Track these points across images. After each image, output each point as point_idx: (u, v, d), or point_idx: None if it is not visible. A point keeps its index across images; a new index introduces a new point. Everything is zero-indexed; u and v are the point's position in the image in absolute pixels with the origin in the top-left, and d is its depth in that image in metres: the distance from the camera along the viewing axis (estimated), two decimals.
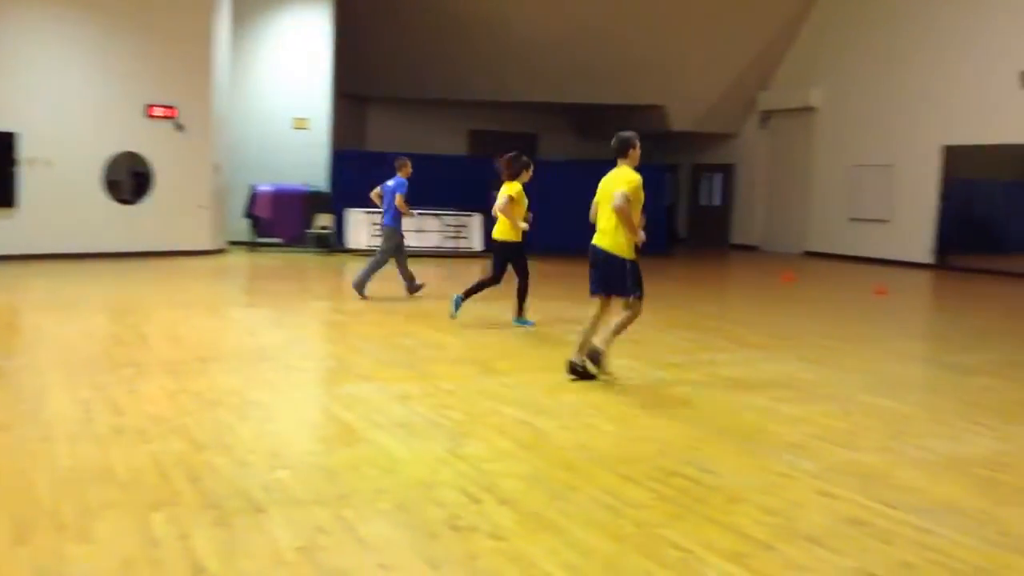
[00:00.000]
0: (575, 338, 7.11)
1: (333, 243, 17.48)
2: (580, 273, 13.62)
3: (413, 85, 20.82)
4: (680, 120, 21.68)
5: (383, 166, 18.32)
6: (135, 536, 3.74)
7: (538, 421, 5.73)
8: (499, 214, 9.23)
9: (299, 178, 17.78)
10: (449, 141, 22.93)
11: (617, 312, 6.99)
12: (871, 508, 4.32)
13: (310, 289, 13.05)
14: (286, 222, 17.36)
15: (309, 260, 16.19)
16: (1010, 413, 6.38)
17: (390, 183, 11.36)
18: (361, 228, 17.35)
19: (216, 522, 3.89)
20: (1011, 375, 7.83)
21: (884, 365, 8.24)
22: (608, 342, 6.97)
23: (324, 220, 17.50)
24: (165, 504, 4.08)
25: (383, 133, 22.69)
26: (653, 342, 8.80)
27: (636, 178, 6.72)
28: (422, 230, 17.64)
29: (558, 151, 24.32)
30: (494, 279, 9.54)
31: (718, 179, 23.85)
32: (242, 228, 17.45)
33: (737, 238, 23.09)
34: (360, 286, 11.05)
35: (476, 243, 18.01)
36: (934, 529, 4.06)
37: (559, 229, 18.38)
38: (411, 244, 17.32)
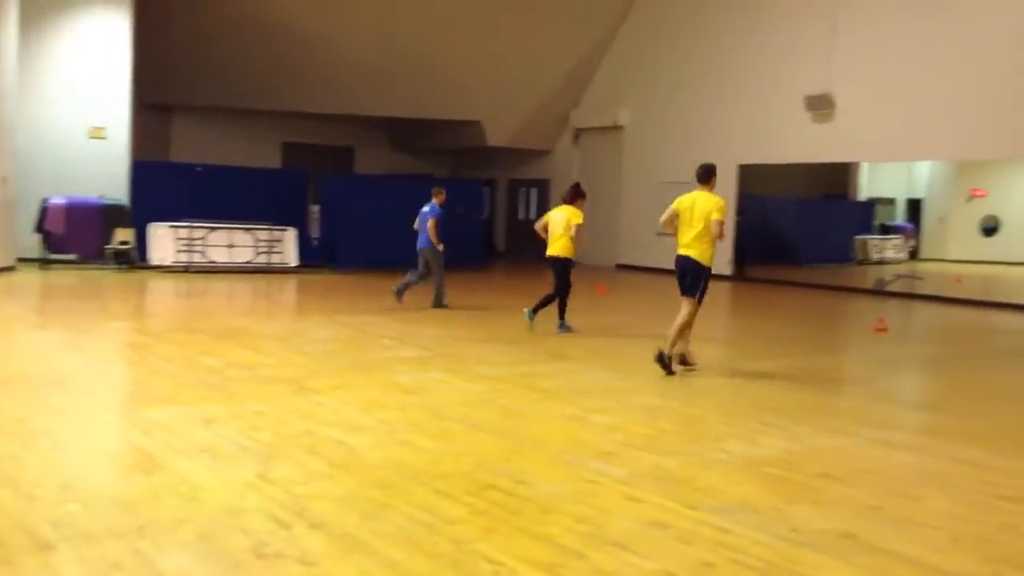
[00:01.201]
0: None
1: (134, 259, 16.54)
2: (393, 289, 13.42)
3: (222, 94, 20.09)
4: (496, 135, 22.05)
5: (189, 178, 17.77)
6: None
7: (353, 440, 5.62)
8: (560, 233, 10.47)
9: (96, 190, 16.72)
10: (262, 153, 22.28)
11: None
12: (674, 510, 4.50)
13: (108, 308, 12.26)
14: (81, 237, 16.26)
15: (108, 277, 15.23)
16: (799, 415, 6.83)
17: (426, 209, 12.30)
18: (165, 243, 16.51)
19: None
20: (801, 379, 8.41)
21: (688, 373, 8.62)
22: (673, 343, 8.22)
23: (124, 235, 16.51)
24: None
25: (189, 144, 21.73)
26: (471, 356, 8.85)
27: (723, 203, 8.12)
28: (233, 245, 17.03)
29: (375, 165, 24.16)
30: (565, 289, 10.60)
31: (534, 194, 24.39)
32: (33, 244, 16.20)
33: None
34: (440, 299, 12.34)
35: (291, 258, 17.53)
36: (732, 528, 4.27)
37: (377, 244, 18.27)
38: (222, 260, 16.80)
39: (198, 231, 16.66)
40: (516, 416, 6.46)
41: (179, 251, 16.51)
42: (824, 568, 3.85)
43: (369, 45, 19.07)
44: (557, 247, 10.52)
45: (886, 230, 23.69)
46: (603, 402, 6.98)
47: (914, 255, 22.98)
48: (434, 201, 12.37)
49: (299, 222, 18.18)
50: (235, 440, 5.50)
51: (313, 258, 18.15)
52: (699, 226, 8.07)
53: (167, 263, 16.42)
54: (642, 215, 21.15)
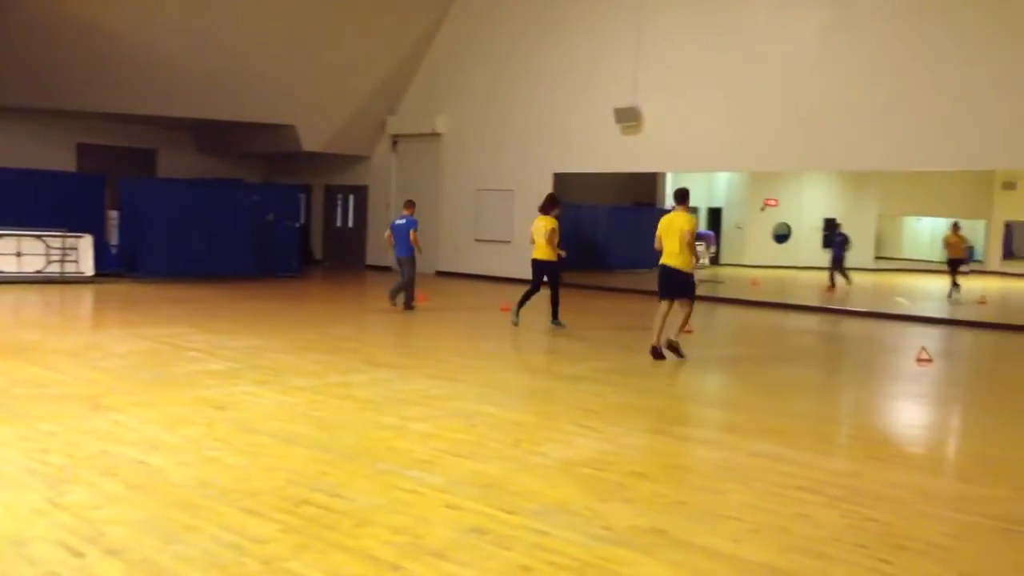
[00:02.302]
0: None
1: None
2: (206, 298, 12.90)
3: (10, 92, 18.52)
4: (311, 141, 21.54)
5: None
6: None
7: (154, 459, 5.29)
8: (541, 240, 12.06)
9: None
10: (54, 155, 20.74)
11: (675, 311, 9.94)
12: (493, 516, 4.50)
13: None
14: None
15: None
16: (613, 416, 7.04)
17: (400, 221, 13.75)
18: None
19: None
20: (614, 381, 8.67)
21: (506, 378, 8.73)
22: (679, 335, 10.00)
23: None
24: None
25: None
26: (285, 367, 8.58)
27: (695, 220, 9.94)
28: (22, 253, 15.76)
29: (180, 169, 23.03)
30: (534, 289, 12.36)
31: (352, 200, 24.05)
32: None
33: (372, 259, 23.40)
34: (409, 302, 13.74)
35: (87, 267, 16.40)
36: (548, 530, 4.32)
37: (183, 251, 17.43)
38: (9, 270, 15.52)
39: None
40: (332, 427, 6.29)
41: None
42: (635, 564, 3.96)
43: (173, 42, 18.15)
44: (541, 252, 12.13)
45: None
46: (422, 410, 6.93)
47: (715, 260, 24.35)
48: (406, 213, 13.86)
49: (96, 228, 17.05)
50: (22, 464, 5.07)
51: (111, 267, 17.09)
52: (678, 240, 9.64)
53: None
54: (461, 222, 21.28)
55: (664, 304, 9.96)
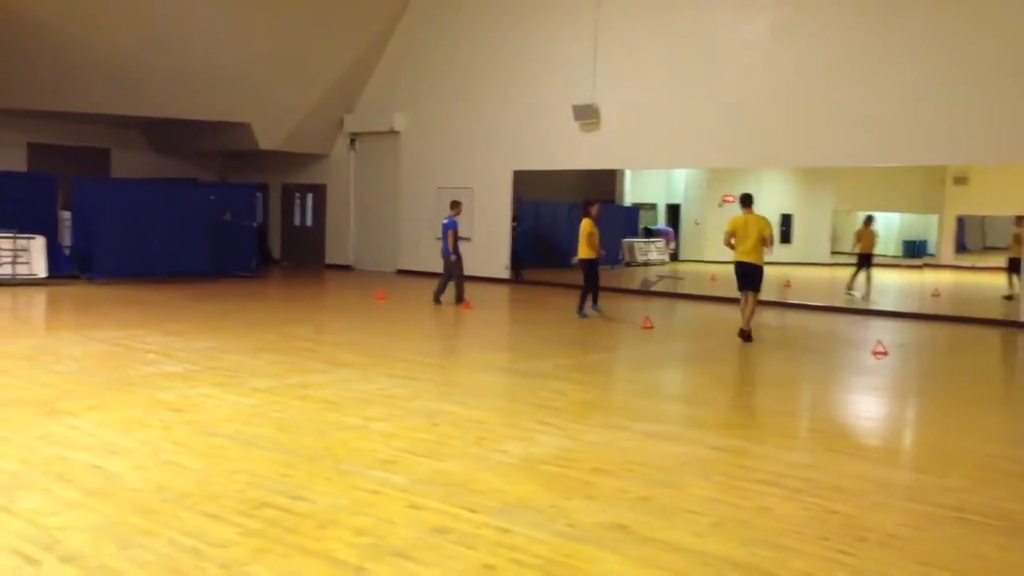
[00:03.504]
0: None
1: None
2: (162, 299, 12.72)
3: None
4: (268, 139, 21.31)
5: None
6: None
7: (111, 464, 5.20)
8: (582, 241, 13.34)
9: None
10: (5, 155, 20.32)
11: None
12: (456, 515, 4.48)
13: None
14: None
15: None
16: (575, 412, 7.05)
17: (445, 221, 14.64)
18: None
19: None
20: (576, 378, 8.69)
21: (467, 376, 8.71)
22: (749, 322, 11.32)
23: None
24: None
25: None
26: (243, 368, 8.48)
27: (770, 221, 11.21)
28: None
29: (134, 168, 22.68)
30: (588, 286, 13.56)
31: (310, 199, 23.84)
32: None
33: (331, 258, 23.23)
34: (460, 298, 14.49)
35: (39, 269, 16.07)
36: (512, 528, 4.32)
37: (138, 252, 17.14)
38: None
39: None
40: (292, 429, 6.23)
41: None
42: (599, 560, 3.97)
43: (126, 40, 17.83)
44: (582, 251, 13.41)
45: (649, 233, 25.17)
46: (383, 409, 6.89)
47: (675, 257, 24.55)
48: (451, 213, 14.63)
49: (48, 230, 16.73)
50: None
51: (65, 268, 16.78)
52: (754, 238, 10.93)
53: None
54: (421, 221, 21.17)
55: (746, 294, 11.30)
